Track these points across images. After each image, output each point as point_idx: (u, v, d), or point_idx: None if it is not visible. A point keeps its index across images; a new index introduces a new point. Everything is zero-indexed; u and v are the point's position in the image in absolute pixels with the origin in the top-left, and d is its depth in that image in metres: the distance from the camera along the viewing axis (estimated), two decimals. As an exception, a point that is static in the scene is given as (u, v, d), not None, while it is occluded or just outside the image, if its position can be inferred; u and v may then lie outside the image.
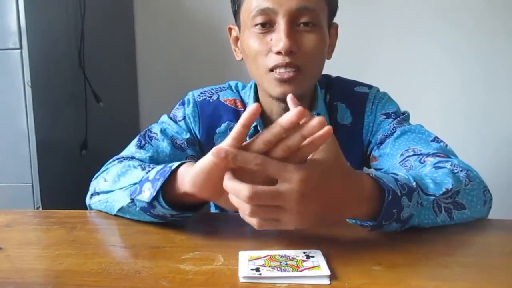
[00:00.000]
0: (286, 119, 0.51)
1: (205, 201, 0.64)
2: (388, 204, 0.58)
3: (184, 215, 0.66)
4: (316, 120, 0.50)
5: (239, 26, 0.85)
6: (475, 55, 1.80)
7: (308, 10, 0.77)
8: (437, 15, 1.79)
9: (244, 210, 0.53)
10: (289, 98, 0.59)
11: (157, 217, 0.67)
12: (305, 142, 0.52)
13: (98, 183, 0.78)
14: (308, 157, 0.55)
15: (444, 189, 0.65)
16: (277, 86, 0.79)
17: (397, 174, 0.64)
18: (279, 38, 0.76)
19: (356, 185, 0.58)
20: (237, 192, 0.52)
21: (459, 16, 1.78)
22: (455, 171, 0.70)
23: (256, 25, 0.78)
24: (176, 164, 0.64)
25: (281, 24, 0.76)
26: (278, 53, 0.76)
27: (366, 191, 0.59)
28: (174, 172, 0.62)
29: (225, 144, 0.53)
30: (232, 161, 0.52)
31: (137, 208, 0.67)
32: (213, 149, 0.53)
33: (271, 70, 0.79)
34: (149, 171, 0.68)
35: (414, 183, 0.63)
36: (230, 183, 0.53)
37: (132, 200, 0.67)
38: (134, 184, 0.69)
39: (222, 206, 0.59)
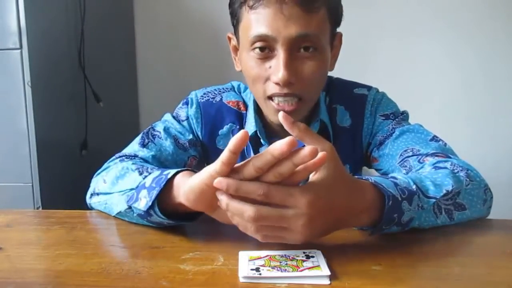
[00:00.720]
0: (277, 149, 0.49)
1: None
2: (388, 210, 0.58)
3: (181, 223, 0.66)
4: (307, 150, 0.50)
5: (238, 39, 0.82)
6: (475, 55, 1.80)
7: (309, 36, 0.73)
8: (437, 15, 1.79)
9: (249, 229, 0.53)
10: (281, 117, 0.56)
11: (155, 224, 0.67)
12: (299, 168, 0.52)
13: (97, 183, 0.78)
14: (310, 176, 0.55)
15: (444, 191, 0.65)
16: (276, 115, 0.75)
17: (396, 178, 0.64)
18: (278, 68, 0.73)
19: (358, 194, 0.58)
20: (241, 213, 0.52)
21: (459, 16, 1.78)
22: (455, 171, 0.70)
23: (254, 49, 0.76)
24: (172, 172, 0.63)
25: (280, 52, 0.73)
26: (277, 83, 0.75)
27: (368, 199, 0.59)
28: (170, 181, 0.62)
29: (215, 168, 0.53)
30: (234, 192, 0.52)
31: (135, 214, 0.67)
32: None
33: (270, 97, 0.77)
34: (146, 176, 0.68)
35: (414, 186, 0.63)
36: (232, 204, 0.52)
37: (130, 207, 0.67)
38: (132, 189, 0.68)
39: (217, 219, 0.59)
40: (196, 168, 0.86)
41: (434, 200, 0.64)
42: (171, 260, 0.57)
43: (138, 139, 0.86)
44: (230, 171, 0.53)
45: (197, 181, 0.55)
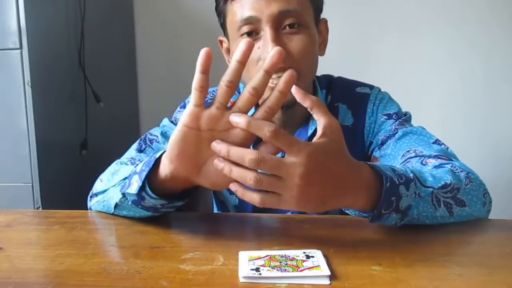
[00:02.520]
0: (236, 53, 0.53)
1: (191, 187, 0.64)
2: (386, 191, 0.58)
3: (174, 204, 0.66)
4: (272, 52, 0.53)
5: (227, 38, 0.85)
6: (475, 54, 1.80)
7: (291, 12, 0.76)
8: (437, 14, 1.79)
9: (248, 180, 0.53)
10: (294, 89, 0.57)
11: (150, 209, 0.67)
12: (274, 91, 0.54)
13: (95, 185, 0.79)
14: (314, 138, 0.55)
15: (442, 183, 0.66)
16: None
17: (394, 166, 0.64)
18: (266, 45, 0.76)
19: (356, 172, 0.59)
20: (243, 157, 0.52)
21: (459, 15, 1.78)
22: (456, 171, 0.70)
23: (242, 35, 0.79)
24: (160, 152, 0.64)
25: (266, 30, 0.76)
26: None
27: (365, 178, 0.59)
28: (158, 160, 0.63)
29: (190, 102, 0.56)
30: (245, 127, 0.53)
31: (129, 202, 0.67)
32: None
33: None
34: (137, 164, 0.68)
35: (411, 174, 0.63)
36: (234, 149, 0.53)
37: (124, 195, 0.67)
38: (125, 178, 0.69)
39: (203, 185, 0.59)
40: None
41: (431, 189, 0.64)
42: (171, 260, 0.57)
43: (135, 145, 0.86)
44: (207, 107, 0.56)
45: (177, 129, 0.57)
